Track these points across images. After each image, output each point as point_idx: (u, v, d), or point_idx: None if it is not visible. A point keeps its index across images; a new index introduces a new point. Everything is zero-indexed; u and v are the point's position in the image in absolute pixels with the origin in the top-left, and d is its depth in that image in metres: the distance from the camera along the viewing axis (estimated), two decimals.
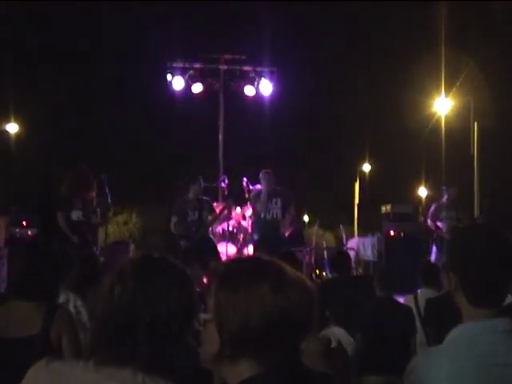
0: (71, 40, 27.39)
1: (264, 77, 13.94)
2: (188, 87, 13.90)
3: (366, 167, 36.29)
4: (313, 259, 12.51)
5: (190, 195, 9.81)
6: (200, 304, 1.73)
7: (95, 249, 8.95)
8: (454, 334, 1.93)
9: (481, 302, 1.92)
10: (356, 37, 29.29)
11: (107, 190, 9.31)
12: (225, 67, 14.44)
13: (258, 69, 14.10)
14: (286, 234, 10.42)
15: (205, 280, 6.97)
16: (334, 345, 1.60)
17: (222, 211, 10.47)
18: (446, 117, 21.96)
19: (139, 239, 31.46)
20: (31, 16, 24.95)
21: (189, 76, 13.83)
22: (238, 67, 14.28)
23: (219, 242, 10.87)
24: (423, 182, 34.74)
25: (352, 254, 12.90)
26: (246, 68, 14.19)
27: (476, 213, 15.99)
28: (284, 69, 14.65)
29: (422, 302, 5.66)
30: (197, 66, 14.07)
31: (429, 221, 11.24)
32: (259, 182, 10.52)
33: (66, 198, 8.65)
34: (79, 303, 4.22)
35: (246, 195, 11.05)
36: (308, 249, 12.29)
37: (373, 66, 29.03)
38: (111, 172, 10.17)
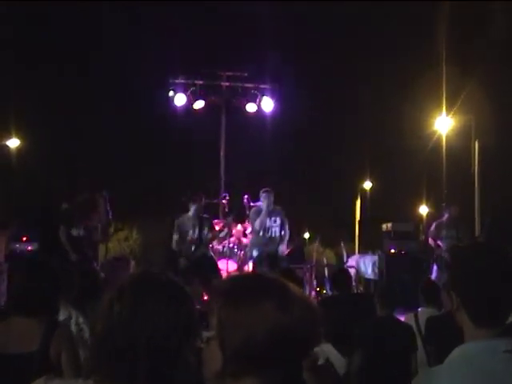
0: (73, 56, 27.49)
1: (265, 94, 13.98)
2: (190, 103, 13.93)
3: (367, 185, 36.31)
4: (313, 276, 12.49)
5: (191, 213, 9.84)
6: (202, 321, 1.72)
7: (95, 264, 8.96)
8: (456, 353, 1.92)
9: (483, 322, 1.92)
10: (357, 55, 29.42)
11: (108, 207, 9.34)
12: (227, 84, 14.48)
13: (260, 86, 14.14)
14: (286, 252, 10.44)
15: (205, 297, 6.95)
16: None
17: (221, 229, 10.50)
18: (446, 135, 21.99)
19: (140, 255, 31.44)
20: (30, 21, 24.86)
21: (191, 92, 13.86)
22: (240, 84, 14.32)
23: (219, 258, 10.87)
24: (424, 200, 34.73)
25: (353, 271, 12.90)
26: (248, 85, 14.23)
27: (477, 231, 15.96)
28: (285, 86, 14.69)
29: (422, 321, 5.65)
30: (199, 82, 14.11)
31: (430, 236, 11.23)
32: (260, 199, 10.55)
33: (68, 213, 8.69)
34: (81, 320, 4.21)
35: (247, 212, 11.07)
36: (308, 266, 12.28)
37: (374, 84, 29.16)
38: (112, 187, 10.20)
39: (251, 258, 10.60)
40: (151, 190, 30.98)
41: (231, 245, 11.37)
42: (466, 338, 1.95)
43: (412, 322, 5.77)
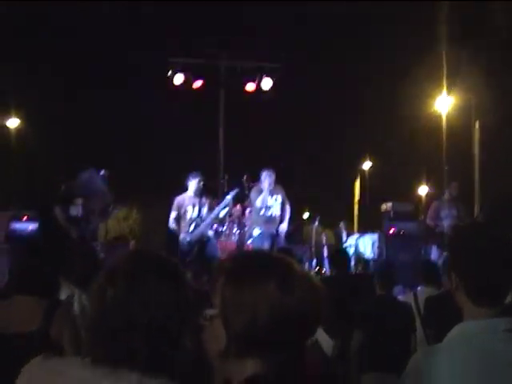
0: (70, 36, 27.33)
1: (265, 73, 13.90)
2: (188, 83, 13.86)
3: (367, 165, 36.27)
4: (312, 256, 12.53)
5: (190, 192, 9.83)
6: (206, 301, 1.72)
7: (95, 244, 8.96)
8: (455, 332, 1.93)
9: (482, 301, 1.93)
10: (356, 33, 29.20)
11: (107, 186, 9.32)
12: (226, 63, 14.40)
13: (259, 64, 14.06)
14: (284, 230, 10.45)
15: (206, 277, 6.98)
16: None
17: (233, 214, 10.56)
18: (447, 115, 21.93)
19: (140, 235, 31.45)
20: (31, 16, 24.84)
21: (189, 72, 13.79)
22: (239, 63, 14.24)
23: (219, 239, 10.89)
24: (424, 181, 34.72)
25: (352, 251, 12.94)
26: (247, 64, 14.15)
27: (477, 211, 15.98)
28: (285, 64, 14.59)
29: (421, 300, 5.68)
30: (198, 61, 14.04)
31: (429, 218, 11.24)
32: (258, 179, 10.55)
33: (66, 193, 8.66)
34: (84, 297, 4.21)
35: (246, 192, 11.06)
36: (308, 246, 12.30)
37: (374, 63, 28.99)
38: (111, 166, 10.17)
39: (251, 237, 10.62)
40: (150, 169, 30.95)
41: (230, 225, 11.39)
42: (465, 318, 1.96)
43: (411, 301, 5.79)
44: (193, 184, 9.80)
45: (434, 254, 10.86)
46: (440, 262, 8.60)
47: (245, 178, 11.14)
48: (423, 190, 34.70)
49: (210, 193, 10.85)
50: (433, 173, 28.41)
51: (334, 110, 32.52)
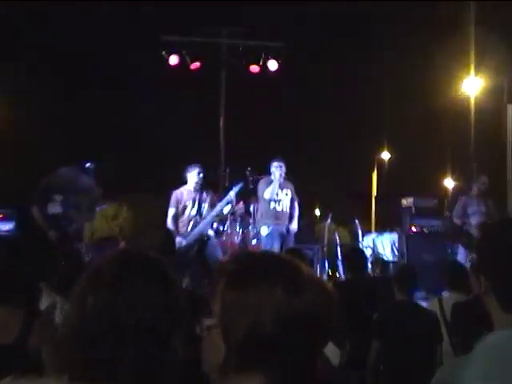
0: (70, 36, 27.64)
1: (270, 53, 13.89)
2: (185, 64, 13.84)
3: (385, 155, 36.26)
4: (325, 258, 12.51)
5: (189, 185, 9.79)
6: (204, 308, 1.71)
7: (79, 245, 8.93)
8: (484, 343, 1.91)
9: None
10: (378, 10, 29.11)
11: (94, 181, 9.28)
12: (226, 42, 14.39)
13: (264, 44, 14.04)
14: (295, 229, 10.42)
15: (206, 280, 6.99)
16: None
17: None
18: (475, 98, 21.85)
19: (131, 236, 31.45)
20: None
21: (186, 52, 13.77)
22: (242, 42, 14.23)
23: (220, 238, 10.88)
24: (449, 172, 34.70)
25: (368, 252, 12.92)
26: (250, 43, 14.13)
27: (510, 206, 15.93)
28: (292, 44, 14.60)
29: (447, 307, 5.65)
30: (195, 40, 14.02)
31: (455, 216, 11.21)
32: (265, 172, 10.53)
33: (43, 189, 8.61)
34: (67, 307, 4.19)
35: (250, 187, 11.04)
36: (319, 246, 12.29)
37: (390, 41, 28.89)
38: (99, 159, 10.15)
39: (257, 236, 10.60)
40: (143, 161, 30.98)
41: (233, 223, 11.37)
42: (495, 326, 1.94)
43: (435, 308, 5.77)
44: (192, 176, 9.74)
45: (461, 254, 10.83)
46: (468, 264, 8.58)
47: (248, 170, 11.12)
48: (448, 184, 34.68)
49: (211, 187, 10.83)
50: (459, 164, 28.38)
51: (348, 94, 32.45)
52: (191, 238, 9.63)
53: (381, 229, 15.00)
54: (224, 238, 11.10)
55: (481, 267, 1.98)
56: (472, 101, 21.78)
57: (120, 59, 29.14)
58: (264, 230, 10.21)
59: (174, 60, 13.67)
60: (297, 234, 10.58)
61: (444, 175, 35.09)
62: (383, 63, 28.76)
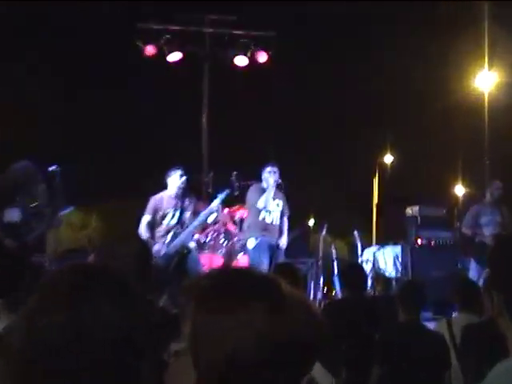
0: (56, 14, 27.87)
1: (259, 43, 13.90)
2: (163, 56, 13.82)
3: (388, 158, 36.36)
4: (320, 274, 12.52)
5: (170, 191, 9.75)
6: (174, 331, 1.69)
7: (42, 258, 8.88)
8: (499, 369, 1.91)
9: None
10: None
11: (59, 185, 9.24)
12: (210, 31, 14.39)
13: (252, 33, 14.05)
14: (285, 245, 10.41)
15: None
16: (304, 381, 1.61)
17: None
18: (489, 95, 21.94)
19: (101, 247, 31.31)
20: None
21: (164, 41, 13.75)
22: (227, 31, 14.23)
23: (202, 251, 10.86)
24: (460, 177, 34.82)
25: (369, 267, 12.93)
26: (237, 32, 14.14)
27: None
28: (284, 33, 14.62)
29: (457, 330, 5.64)
30: (174, 28, 14.01)
31: (466, 226, 11.23)
32: (253, 178, 10.54)
33: None
34: None
35: (237, 193, 11.04)
36: (314, 260, 12.29)
37: (390, 30, 29.00)
38: (66, 162, 10.11)
39: (243, 249, 10.59)
40: (115, 164, 30.90)
41: (216, 234, 11.37)
42: (511, 349, 1.94)
43: (444, 331, 5.77)
44: (173, 180, 9.69)
45: (474, 270, 10.85)
46: (481, 281, 8.60)
47: (234, 175, 11.12)
48: (459, 190, 34.81)
49: (195, 192, 10.79)
50: (471, 168, 28.47)
51: (345, 89, 32.48)
52: (171, 250, 9.59)
53: (383, 241, 15.00)
54: (206, 251, 11.08)
55: (494, 282, 1.98)
56: (485, 97, 21.84)
57: (93, 51, 29.32)
58: (251, 243, 10.19)
59: (150, 50, 13.64)
60: (288, 247, 10.57)
61: (454, 180, 35.24)
62: (391, 60, 28.86)
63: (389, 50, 28.01)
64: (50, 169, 9.17)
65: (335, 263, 13.20)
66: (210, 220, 10.36)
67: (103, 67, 29.41)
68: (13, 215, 8.34)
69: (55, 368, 1.54)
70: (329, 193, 32.29)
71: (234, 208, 11.67)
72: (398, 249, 13.03)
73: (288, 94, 29.36)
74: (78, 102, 30.48)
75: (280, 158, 12.35)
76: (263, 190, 10.19)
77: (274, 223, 10.25)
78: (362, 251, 14.18)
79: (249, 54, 13.88)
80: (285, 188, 10.46)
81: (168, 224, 9.63)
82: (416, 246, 12.24)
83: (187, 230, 9.66)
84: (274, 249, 10.14)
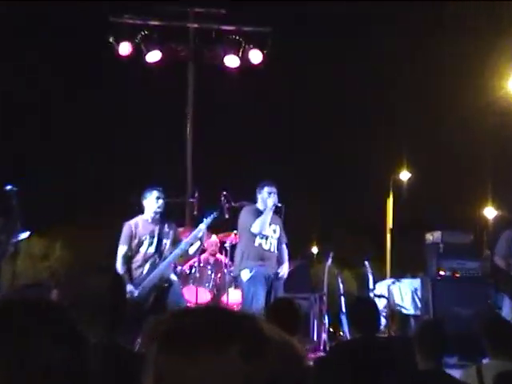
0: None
1: (251, 41, 13.94)
2: (140, 55, 13.84)
3: (404, 175, 36.38)
4: (324, 311, 12.49)
5: (146, 215, 9.74)
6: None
7: None
8: None
9: None
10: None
11: (16, 209, 9.24)
12: (195, 26, 14.42)
13: (244, 29, 14.09)
14: (285, 276, 10.40)
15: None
16: None
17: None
18: None
19: (65, 281, 31.31)
20: None
21: (141, 38, 13.77)
22: (215, 26, 14.27)
23: (186, 285, 10.84)
24: (489, 199, 34.88)
25: (382, 303, 12.90)
26: (227, 28, 14.18)
27: None
28: (280, 29, 14.66)
29: (489, 379, 5.61)
30: (153, 23, 14.04)
31: (498, 255, 11.22)
32: (245, 198, 10.53)
33: None
34: None
35: (226, 216, 11.03)
36: (317, 295, 12.28)
37: (406, 29, 29.26)
38: (25, 183, 10.11)
39: (236, 280, 10.55)
40: (84, 184, 30.98)
41: (202, 264, 11.35)
42: None
43: (473, 381, 5.73)
44: (149, 203, 9.69)
45: (507, 307, 10.84)
46: None
47: (224, 195, 11.10)
48: (488, 213, 34.86)
49: (175, 217, 10.79)
50: (502, 188, 28.55)
51: (353, 95, 32.64)
52: (148, 283, 9.54)
53: (399, 273, 15.02)
54: (191, 284, 11.06)
55: None
56: None
57: (60, 48, 29.80)
58: (245, 274, 10.14)
59: (124, 49, 13.63)
60: (287, 279, 10.55)
61: (482, 201, 35.28)
62: (406, 60, 29.09)
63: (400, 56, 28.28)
64: (6, 188, 9.17)
65: (342, 298, 13.18)
66: (191, 250, 10.29)
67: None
68: None
69: None
70: (336, 216, 32.35)
71: (224, 234, 11.67)
72: (416, 282, 13.03)
73: (286, 100, 29.46)
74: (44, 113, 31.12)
75: (276, 174, 12.36)
76: (259, 213, 10.17)
77: (271, 250, 10.22)
78: (374, 284, 14.15)
79: (240, 54, 13.91)
80: (284, 212, 10.45)
81: (145, 253, 9.59)
82: (438, 278, 12.21)
83: (166, 261, 9.62)
84: (271, 280, 10.10)
